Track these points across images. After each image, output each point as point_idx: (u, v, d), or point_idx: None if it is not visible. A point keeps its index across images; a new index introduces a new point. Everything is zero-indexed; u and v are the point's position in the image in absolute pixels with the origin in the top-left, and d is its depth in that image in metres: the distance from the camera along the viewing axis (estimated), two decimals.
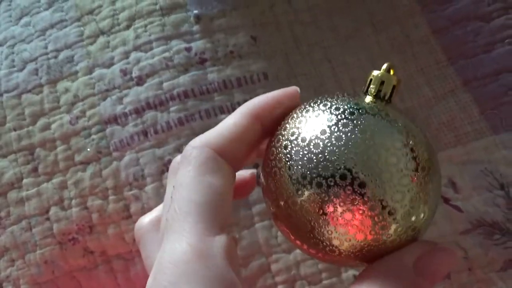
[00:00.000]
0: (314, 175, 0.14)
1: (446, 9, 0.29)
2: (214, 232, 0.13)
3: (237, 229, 0.26)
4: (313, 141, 0.14)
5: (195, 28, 0.28)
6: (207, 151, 0.15)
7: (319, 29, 0.29)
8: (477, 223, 0.25)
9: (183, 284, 0.12)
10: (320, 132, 0.14)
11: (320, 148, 0.14)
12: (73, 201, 0.27)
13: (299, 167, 0.14)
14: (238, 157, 0.15)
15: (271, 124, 0.16)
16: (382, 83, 0.16)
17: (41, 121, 0.29)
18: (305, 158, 0.14)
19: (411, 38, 0.28)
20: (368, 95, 0.16)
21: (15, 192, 0.28)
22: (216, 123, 0.16)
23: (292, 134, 0.15)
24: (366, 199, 0.13)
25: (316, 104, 0.15)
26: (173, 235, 0.13)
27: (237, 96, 0.27)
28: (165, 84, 0.28)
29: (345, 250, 0.14)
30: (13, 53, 0.30)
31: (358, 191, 0.13)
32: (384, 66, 0.16)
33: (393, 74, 0.16)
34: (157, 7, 0.29)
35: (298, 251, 0.26)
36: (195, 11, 0.29)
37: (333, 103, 0.15)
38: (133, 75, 0.28)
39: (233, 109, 0.27)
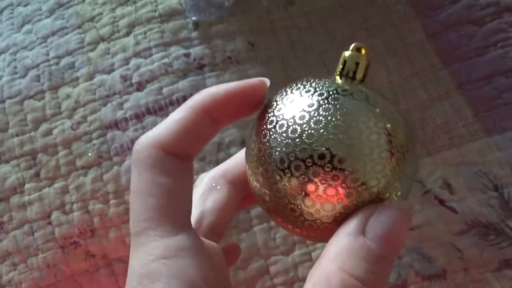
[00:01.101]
0: (293, 159, 0.14)
1: (440, 13, 0.29)
2: (174, 233, 0.13)
3: (236, 232, 0.27)
4: (290, 127, 0.14)
5: (194, 34, 0.29)
6: (155, 150, 0.14)
7: (315, 34, 0.30)
8: (472, 224, 0.25)
9: (149, 283, 0.13)
10: (297, 117, 0.14)
11: (298, 132, 0.14)
12: (75, 205, 0.28)
13: (278, 153, 0.14)
14: (188, 152, 0.15)
15: (226, 116, 0.16)
16: (356, 63, 0.16)
17: (43, 127, 0.29)
18: (283, 144, 0.14)
19: (406, 42, 0.29)
20: (342, 76, 0.16)
21: (18, 197, 0.28)
22: None
23: (271, 123, 0.15)
24: (345, 173, 0.14)
25: (290, 90, 0.15)
26: (137, 240, 0.14)
27: None
28: (164, 90, 0.28)
29: (319, 226, 0.15)
30: (15, 60, 0.31)
31: (337, 167, 0.14)
32: (353, 45, 0.16)
33: (364, 54, 0.16)
34: (156, 14, 0.30)
35: (296, 253, 0.26)
36: (194, 18, 0.29)
37: (307, 87, 0.15)
38: (133, 80, 0.29)
39: None
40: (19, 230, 0.28)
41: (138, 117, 0.28)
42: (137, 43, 0.29)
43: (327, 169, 0.14)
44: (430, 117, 0.27)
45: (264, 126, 0.15)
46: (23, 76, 0.30)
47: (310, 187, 0.14)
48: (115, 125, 0.28)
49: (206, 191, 0.18)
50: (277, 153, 0.14)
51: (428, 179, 0.26)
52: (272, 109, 0.15)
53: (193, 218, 0.18)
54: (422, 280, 0.25)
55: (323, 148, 0.14)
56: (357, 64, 0.16)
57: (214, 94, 0.15)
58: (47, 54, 0.30)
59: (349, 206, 0.14)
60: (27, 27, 0.32)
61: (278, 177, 0.14)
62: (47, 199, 0.28)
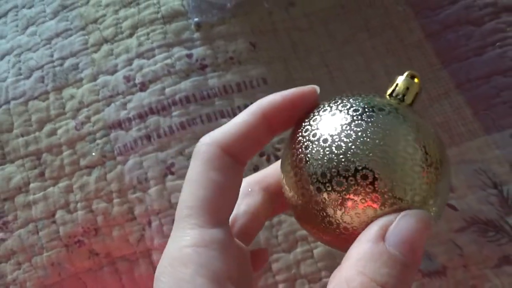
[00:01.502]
0: (335, 174, 0.14)
1: (438, 14, 0.29)
2: (211, 225, 0.14)
3: None
4: (335, 142, 0.15)
5: (196, 35, 0.29)
6: (214, 148, 0.15)
7: (316, 35, 0.30)
8: (471, 221, 0.25)
9: (179, 266, 0.13)
10: (342, 133, 0.15)
11: (343, 148, 0.14)
12: (79, 204, 0.28)
13: (319, 166, 0.15)
14: (244, 154, 0.16)
15: (281, 123, 0.17)
16: (407, 88, 0.16)
17: (48, 127, 0.30)
18: (325, 158, 0.15)
19: (406, 42, 0.29)
20: (391, 97, 0.17)
21: (23, 196, 0.29)
22: (216, 127, 0.17)
23: (314, 136, 0.15)
24: (384, 196, 0.14)
25: (335, 104, 0.16)
26: (178, 225, 0.15)
27: (237, 101, 0.28)
28: (167, 90, 0.29)
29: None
30: (20, 61, 0.31)
31: (378, 190, 0.14)
32: (407, 72, 0.17)
33: (418, 81, 0.17)
34: (159, 15, 0.30)
35: (298, 250, 0.26)
36: (196, 19, 0.29)
37: (352, 103, 0.15)
38: (136, 81, 0.29)
39: (233, 113, 0.28)
40: (23, 229, 0.28)
41: (141, 117, 0.28)
42: (140, 44, 0.29)
43: (368, 190, 0.14)
44: (430, 116, 0.28)
45: (306, 138, 0.15)
46: (28, 77, 0.31)
47: (350, 204, 0.14)
48: (118, 125, 0.29)
49: (241, 195, 0.19)
50: (319, 166, 0.15)
51: None
52: (315, 122, 0.16)
53: None
54: (422, 277, 0.25)
55: (367, 168, 0.14)
56: (408, 88, 0.16)
57: (272, 100, 0.16)
58: (51, 56, 0.31)
59: None
60: (31, 29, 0.32)
61: (317, 190, 0.15)
62: (52, 198, 0.28)
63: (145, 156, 0.28)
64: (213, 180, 0.15)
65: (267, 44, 0.29)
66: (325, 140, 0.15)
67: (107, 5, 0.31)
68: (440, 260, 0.25)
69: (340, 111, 0.15)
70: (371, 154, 0.14)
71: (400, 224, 0.13)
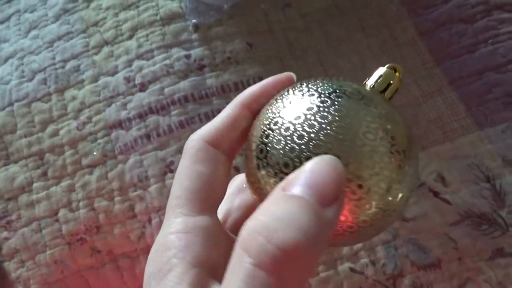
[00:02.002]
0: (297, 164, 0.14)
1: (431, 12, 0.30)
2: (196, 213, 0.15)
3: None
4: (293, 127, 0.14)
5: (194, 36, 0.30)
6: (199, 142, 0.16)
7: (311, 35, 0.30)
8: (465, 214, 0.26)
9: (163, 251, 0.14)
10: (301, 119, 0.14)
11: (305, 138, 0.14)
12: (81, 203, 0.29)
13: (280, 155, 0.14)
14: (229, 145, 0.17)
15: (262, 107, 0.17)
16: (388, 83, 0.16)
17: (50, 128, 0.30)
18: (287, 147, 0.14)
19: (399, 41, 0.30)
20: (370, 87, 0.16)
21: (26, 195, 0.29)
22: None
23: (275, 124, 0.15)
24: (348, 181, 0.13)
25: (297, 89, 0.15)
26: (167, 215, 0.15)
27: None
28: (166, 90, 0.29)
29: (338, 232, 0.14)
30: (22, 64, 0.32)
31: None
32: (389, 65, 0.17)
33: (399, 76, 0.16)
34: (158, 17, 0.31)
35: None
36: (194, 21, 0.30)
37: (315, 87, 0.15)
38: (136, 82, 0.30)
39: None
40: (27, 227, 0.29)
41: (141, 116, 0.29)
42: (139, 46, 0.30)
43: None
44: (423, 112, 0.28)
45: (267, 126, 0.15)
46: (31, 80, 0.32)
47: None
48: (119, 124, 0.29)
49: (236, 191, 0.20)
50: (280, 156, 0.14)
51: (423, 173, 0.27)
52: (277, 109, 0.15)
53: (221, 213, 0.19)
54: (417, 270, 0.25)
55: (325, 151, 0.13)
56: (389, 84, 0.16)
57: (251, 91, 0.17)
58: (53, 58, 0.32)
59: (354, 209, 0.14)
60: (33, 32, 0.33)
61: (280, 179, 0.14)
62: (54, 197, 0.29)
63: (145, 154, 0.29)
64: (199, 171, 0.15)
65: (264, 44, 0.30)
66: (286, 129, 0.14)
67: (107, 8, 0.32)
68: (435, 253, 0.25)
69: (304, 95, 0.15)
70: (335, 142, 0.14)
71: (306, 168, 0.13)
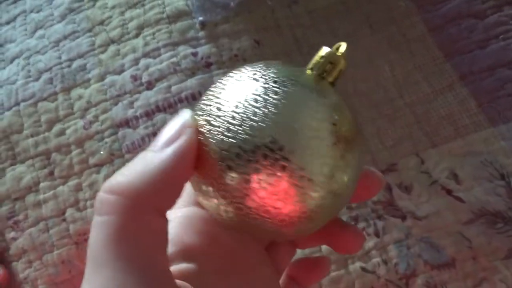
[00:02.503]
0: (236, 151, 0.13)
1: (440, 8, 0.30)
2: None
3: None
4: (235, 116, 0.13)
5: (201, 34, 0.30)
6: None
7: (318, 32, 0.30)
8: (479, 212, 0.25)
9: None
10: (240, 105, 0.13)
11: (241, 123, 0.13)
12: (88, 202, 0.28)
13: (220, 144, 0.13)
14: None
15: None
16: (331, 64, 0.15)
17: (57, 127, 0.30)
18: (226, 134, 0.13)
19: (408, 37, 0.29)
20: (314, 71, 0.15)
21: (33, 195, 0.29)
22: None
23: (217, 108, 0.14)
24: (288, 168, 0.13)
25: (240, 73, 0.14)
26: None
27: None
28: (173, 88, 0.29)
29: (277, 221, 0.14)
30: (29, 64, 0.32)
31: (280, 161, 0.13)
32: (336, 44, 0.15)
33: (343, 56, 0.15)
34: (164, 15, 0.30)
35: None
36: (200, 18, 0.30)
37: (259, 72, 0.14)
38: (143, 80, 0.29)
39: None
40: (34, 227, 0.29)
41: (149, 115, 0.29)
42: (146, 44, 0.30)
43: (272, 161, 0.13)
44: (434, 109, 0.28)
45: (207, 112, 0.14)
46: (37, 79, 0.31)
47: (255, 180, 0.13)
48: (126, 123, 0.29)
49: None
50: (220, 144, 0.13)
51: (435, 170, 0.26)
52: (219, 94, 0.14)
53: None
54: (431, 269, 0.25)
55: (273, 143, 0.13)
56: (332, 64, 0.15)
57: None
58: (59, 58, 0.32)
59: (301, 197, 0.13)
60: (39, 32, 0.33)
61: (219, 171, 0.13)
62: (62, 196, 0.29)
63: None
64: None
65: (271, 41, 0.30)
66: (224, 114, 0.13)
67: (113, 7, 0.32)
68: (449, 252, 0.25)
69: (246, 80, 0.14)
70: (277, 131, 0.13)
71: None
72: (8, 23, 0.34)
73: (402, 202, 0.26)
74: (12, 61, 0.33)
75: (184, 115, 0.14)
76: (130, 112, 0.29)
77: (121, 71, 0.30)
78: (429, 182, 0.26)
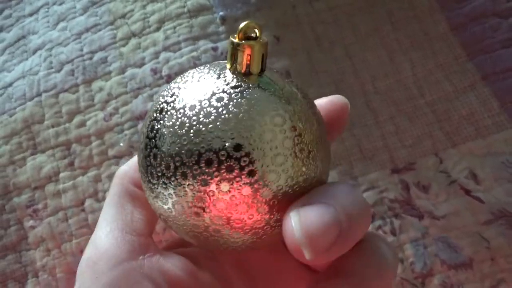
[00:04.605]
0: (185, 158, 0.12)
1: (464, 7, 0.29)
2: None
3: None
4: (182, 120, 0.12)
5: (221, 28, 0.30)
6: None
7: (339, 28, 0.30)
8: (499, 213, 0.25)
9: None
10: (190, 108, 0.12)
11: (190, 127, 0.12)
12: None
13: (169, 152, 0.12)
14: None
15: None
16: (248, 56, 0.13)
17: (77, 118, 0.30)
18: (172, 140, 0.12)
19: (430, 35, 0.29)
20: (235, 70, 0.14)
21: (53, 185, 0.30)
22: None
23: (160, 112, 0.13)
24: (246, 174, 0.12)
25: (189, 77, 0.14)
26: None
27: None
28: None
29: (240, 230, 0.13)
30: (51, 55, 0.32)
31: (234, 168, 0.12)
32: (242, 25, 0.14)
33: (258, 41, 0.14)
34: (185, 9, 0.31)
35: None
36: (221, 13, 0.30)
37: (208, 76, 0.13)
38: (163, 73, 0.30)
39: None
40: (53, 216, 0.29)
41: None
42: (166, 38, 0.30)
43: (230, 166, 0.12)
44: (455, 108, 0.27)
45: (154, 116, 0.13)
46: (58, 71, 0.32)
47: (211, 188, 0.12)
48: (145, 116, 0.29)
49: None
50: (171, 151, 0.12)
51: (454, 170, 0.26)
52: (163, 97, 0.13)
53: None
54: (448, 269, 0.25)
55: (222, 144, 0.12)
56: (250, 56, 0.14)
57: None
58: (81, 50, 0.32)
59: (257, 205, 0.12)
60: (62, 24, 0.33)
61: (168, 179, 0.12)
62: (81, 187, 0.29)
63: None
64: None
65: (291, 37, 0.30)
66: (170, 117, 0.12)
67: (135, 0, 0.32)
68: (466, 253, 0.25)
69: (196, 84, 0.13)
70: (234, 134, 0.12)
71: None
72: (31, 15, 0.35)
73: (420, 201, 0.26)
74: (34, 52, 0.33)
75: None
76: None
77: (141, 64, 0.30)
78: (447, 182, 0.26)
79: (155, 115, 0.13)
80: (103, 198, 0.29)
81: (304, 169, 0.13)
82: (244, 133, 0.12)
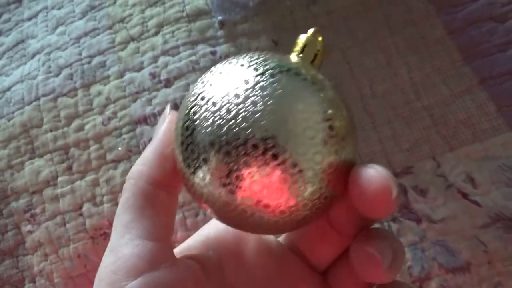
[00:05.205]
0: (224, 143, 0.13)
1: (460, 11, 0.29)
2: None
3: None
4: (225, 106, 0.13)
5: (220, 33, 0.30)
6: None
7: (337, 32, 0.30)
8: (496, 217, 0.25)
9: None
10: (231, 95, 0.13)
11: (232, 113, 0.13)
12: (105, 198, 0.29)
13: (207, 135, 0.13)
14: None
15: None
16: (316, 51, 0.15)
17: (76, 123, 0.30)
18: (215, 125, 0.13)
19: (427, 39, 0.29)
20: (296, 57, 0.15)
21: (51, 189, 0.30)
22: None
23: (202, 98, 0.14)
24: (280, 164, 0.13)
25: (231, 64, 0.14)
26: None
27: None
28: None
29: (270, 213, 0.13)
30: (49, 60, 0.33)
31: (271, 156, 0.13)
32: (312, 30, 0.16)
33: (321, 41, 0.16)
34: (184, 14, 0.31)
35: None
36: (220, 17, 0.30)
37: (251, 63, 0.14)
38: (162, 78, 0.30)
39: None
40: (51, 221, 0.29)
41: None
42: (165, 42, 0.30)
43: (262, 155, 0.13)
44: (452, 112, 0.28)
45: (195, 102, 0.14)
46: (57, 75, 0.32)
47: (246, 175, 0.13)
48: (144, 120, 0.29)
49: None
50: (207, 134, 0.13)
51: (451, 174, 0.26)
52: (204, 84, 0.14)
53: None
54: (445, 273, 0.25)
55: (266, 138, 0.13)
56: (317, 51, 0.15)
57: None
58: (80, 54, 0.32)
59: (292, 191, 0.13)
60: (60, 28, 0.33)
61: (204, 161, 0.13)
62: (79, 191, 0.29)
63: None
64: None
65: (289, 41, 0.30)
66: (214, 104, 0.13)
67: (134, 5, 0.32)
68: (464, 256, 0.25)
69: (238, 71, 0.14)
70: (268, 122, 0.13)
71: None
72: (30, 19, 0.35)
73: (418, 205, 0.26)
74: (33, 56, 0.33)
75: (166, 110, 0.18)
76: (148, 110, 0.29)
77: (140, 68, 0.30)
78: (445, 186, 0.26)
79: (197, 99, 0.14)
80: (101, 203, 0.29)
81: (335, 154, 0.14)
82: (281, 120, 0.13)
